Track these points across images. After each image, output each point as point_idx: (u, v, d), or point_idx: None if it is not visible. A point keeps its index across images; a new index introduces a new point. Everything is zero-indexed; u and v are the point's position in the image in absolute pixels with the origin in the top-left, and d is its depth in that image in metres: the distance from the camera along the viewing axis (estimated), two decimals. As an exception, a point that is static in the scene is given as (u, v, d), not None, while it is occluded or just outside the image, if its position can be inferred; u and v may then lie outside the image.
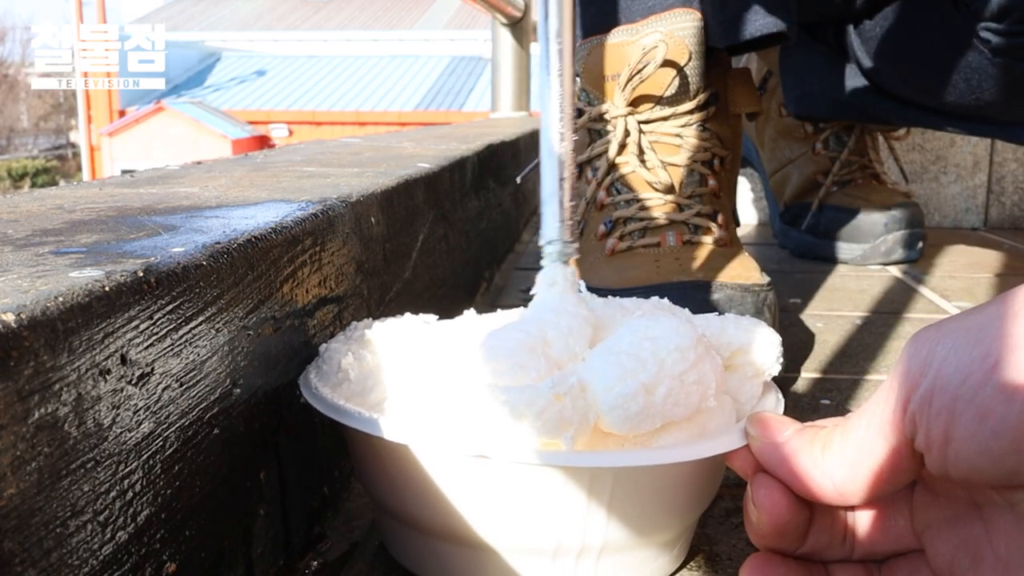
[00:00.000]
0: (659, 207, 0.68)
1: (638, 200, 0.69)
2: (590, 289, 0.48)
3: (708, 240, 0.67)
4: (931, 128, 0.96)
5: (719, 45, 0.69)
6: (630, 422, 0.33)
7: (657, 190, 0.68)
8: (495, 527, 0.34)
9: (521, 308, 0.42)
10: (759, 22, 0.67)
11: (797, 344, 0.74)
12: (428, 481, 0.34)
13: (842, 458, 0.29)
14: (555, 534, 0.34)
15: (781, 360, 0.39)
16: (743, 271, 0.64)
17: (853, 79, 0.97)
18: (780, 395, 0.39)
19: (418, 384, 0.36)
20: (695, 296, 0.61)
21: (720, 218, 0.69)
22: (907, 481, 0.29)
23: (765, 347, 0.39)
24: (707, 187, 0.70)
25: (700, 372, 0.34)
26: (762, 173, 1.24)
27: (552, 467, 0.32)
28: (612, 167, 0.70)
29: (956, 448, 0.26)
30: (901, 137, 1.18)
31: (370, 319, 0.42)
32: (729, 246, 0.68)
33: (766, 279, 0.64)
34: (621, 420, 0.33)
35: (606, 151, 0.70)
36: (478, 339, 0.36)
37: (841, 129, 1.14)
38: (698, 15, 0.68)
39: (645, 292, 0.61)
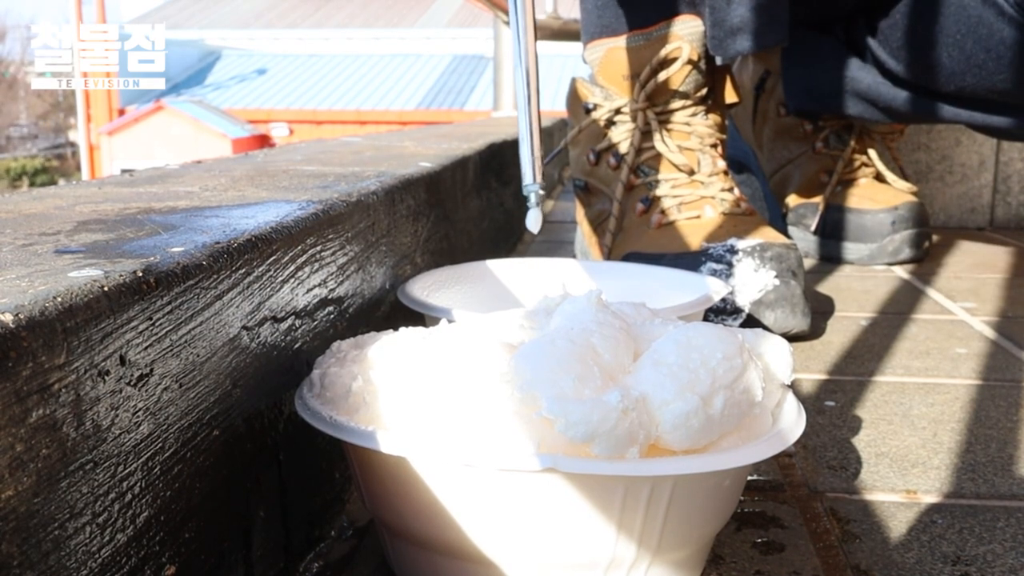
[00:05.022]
0: (686, 185, 0.81)
1: (667, 180, 0.82)
2: (645, 257, 0.75)
3: (738, 211, 0.79)
4: (943, 120, 0.96)
5: (717, 55, 0.81)
6: (692, 438, 0.32)
7: (682, 171, 0.81)
8: (548, 543, 0.33)
9: (520, 310, 0.41)
10: (756, 38, 0.78)
11: (802, 345, 0.74)
12: (479, 502, 0.32)
13: None
14: (611, 545, 0.33)
15: (793, 367, 0.39)
16: (775, 234, 0.76)
17: (864, 70, 0.97)
18: (799, 403, 0.38)
19: (449, 402, 0.33)
20: (751, 254, 0.72)
21: (737, 191, 0.81)
22: None
23: (778, 354, 0.38)
24: (719, 167, 0.83)
25: (747, 380, 0.34)
26: (760, 175, 1.23)
27: (619, 477, 0.31)
28: (637, 153, 0.83)
29: None
30: (897, 139, 1.18)
31: (354, 338, 0.40)
32: (753, 215, 0.80)
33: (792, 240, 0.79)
34: (684, 437, 0.32)
35: (630, 139, 0.83)
36: (501, 348, 0.34)
37: (841, 127, 1.14)
38: (700, 21, 0.80)
39: (697, 256, 0.74)
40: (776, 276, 0.71)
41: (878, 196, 1.10)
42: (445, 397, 0.33)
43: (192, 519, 0.30)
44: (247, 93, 11.17)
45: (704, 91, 0.84)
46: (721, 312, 0.71)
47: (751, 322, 0.71)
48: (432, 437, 0.33)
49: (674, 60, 0.81)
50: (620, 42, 0.84)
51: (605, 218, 0.86)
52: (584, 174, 0.90)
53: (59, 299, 0.23)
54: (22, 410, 0.21)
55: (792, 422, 0.36)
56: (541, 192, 0.55)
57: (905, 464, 0.50)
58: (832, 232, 1.11)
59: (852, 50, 0.99)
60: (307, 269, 0.40)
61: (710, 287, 0.58)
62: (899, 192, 1.11)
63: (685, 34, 0.81)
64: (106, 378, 0.25)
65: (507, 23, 1.89)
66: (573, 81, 0.91)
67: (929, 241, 1.11)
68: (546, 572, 0.33)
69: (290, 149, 0.81)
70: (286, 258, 0.38)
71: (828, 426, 0.56)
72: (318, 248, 0.42)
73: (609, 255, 0.84)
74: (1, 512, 0.21)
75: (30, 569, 0.22)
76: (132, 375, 0.26)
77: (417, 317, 0.53)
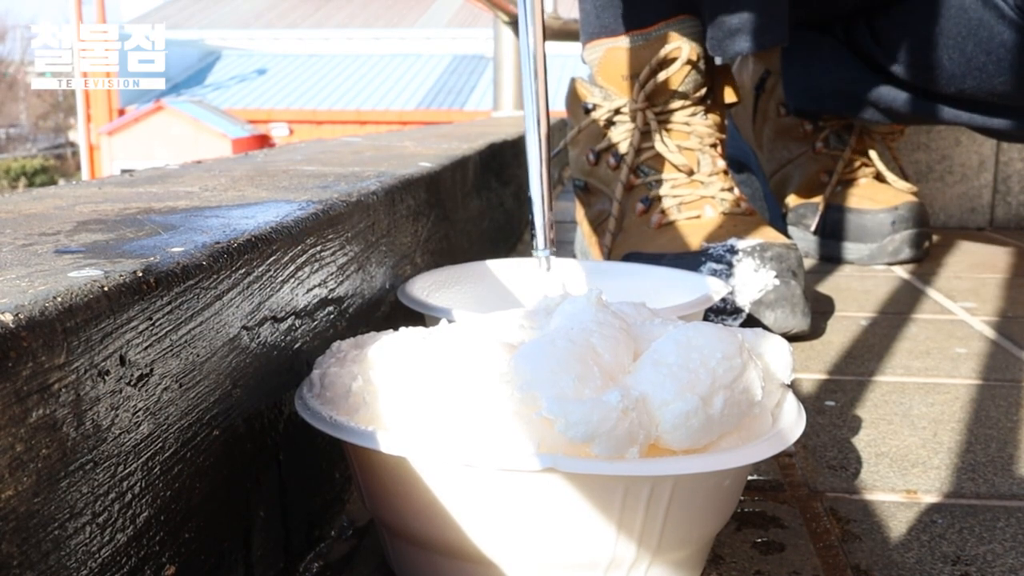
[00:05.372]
0: (686, 185, 0.81)
1: (666, 180, 0.82)
2: (645, 257, 0.76)
3: (738, 211, 0.79)
4: (942, 121, 0.96)
5: (716, 55, 0.81)
6: (692, 438, 0.32)
7: (682, 171, 0.81)
8: (548, 543, 0.33)
9: (520, 310, 0.41)
10: (755, 39, 0.78)
11: (802, 345, 0.74)
12: (479, 502, 0.32)
13: None
14: (611, 545, 0.33)
15: (793, 366, 0.39)
16: (775, 234, 0.76)
17: (863, 71, 0.97)
18: (799, 402, 0.38)
19: (449, 402, 0.33)
20: (751, 253, 0.72)
21: (736, 191, 0.81)
22: None
23: (778, 354, 0.38)
24: (718, 167, 0.83)
25: (747, 380, 0.34)
26: (760, 175, 1.23)
27: (619, 477, 0.31)
28: (637, 153, 0.83)
29: None
30: (897, 139, 1.18)
31: (354, 338, 0.40)
32: (753, 215, 0.80)
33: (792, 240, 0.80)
34: (684, 437, 0.32)
35: (629, 139, 0.83)
36: (501, 348, 0.34)
37: (841, 127, 1.14)
38: (699, 21, 0.80)
39: (697, 256, 0.74)
40: (776, 276, 0.71)
41: (878, 196, 1.10)
42: (445, 397, 0.33)
43: (192, 519, 0.30)
44: (247, 93, 11.16)
45: (703, 91, 0.83)
46: (721, 312, 0.71)
47: (751, 322, 0.71)
48: (432, 437, 0.33)
49: (673, 60, 0.81)
50: (619, 42, 0.84)
51: (605, 218, 0.86)
52: (584, 174, 0.90)
53: (59, 299, 0.23)
54: (22, 410, 0.21)
55: (792, 422, 0.36)
56: (551, 258, 0.58)
57: (905, 464, 0.50)
58: (832, 232, 1.10)
59: (852, 51, 0.99)
60: (307, 269, 0.40)
61: (710, 287, 0.58)
62: (899, 192, 1.11)
63: (684, 34, 0.81)
64: (106, 378, 0.25)
65: (507, 23, 1.90)
66: (572, 81, 0.91)
67: (929, 241, 1.11)
68: (546, 572, 0.33)
69: (290, 149, 0.81)
70: (286, 258, 0.38)
71: (828, 426, 0.56)
72: (318, 248, 0.42)
73: (609, 255, 0.84)
74: (1, 512, 0.21)
75: (30, 569, 0.22)
76: (132, 375, 0.26)
77: (417, 317, 0.53)
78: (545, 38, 0.59)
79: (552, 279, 0.63)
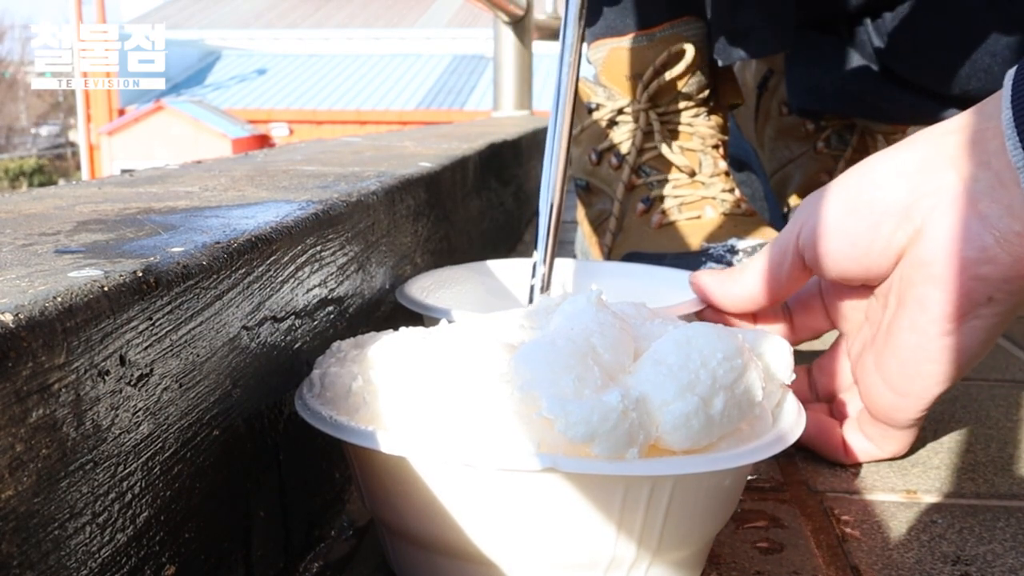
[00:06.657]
0: (687, 185, 0.81)
1: (668, 181, 0.82)
2: (646, 257, 0.76)
3: (738, 212, 0.80)
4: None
5: (721, 60, 0.80)
6: (692, 439, 0.32)
7: (683, 172, 0.81)
8: (548, 543, 0.33)
9: (520, 310, 0.41)
10: (760, 45, 0.79)
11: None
12: (479, 502, 0.32)
13: (755, 276, 0.49)
14: (611, 545, 0.33)
15: (793, 366, 0.39)
16: (775, 234, 0.76)
17: (866, 71, 0.97)
18: (799, 402, 0.38)
19: (449, 402, 0.33)
20: (751, 253, 0.73)
21: (737, 192, 0.82)
22: (798, 287, 0.49)
23: (778, 354, 0.38)
24: (720, 168, 0.83)
25: (748, 380, 0.34)
26: (761, 174, 1.23)
27: (619, 477, 0.31)
28: (639, 153, 0.83)
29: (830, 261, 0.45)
30: (899, 139, 1.18)
31: (354, 338, 0.40)
32: (753, 216, 0.80)
33: None
34: (684, 437, 0.32)
35: (632, 139, 0.84)
36: (501, 348, 0.34)
37: (843, 128, 1.14)
38: (704, 23, 0.81)
39: (697, 256, 0.75)
40: None
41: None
42: (445, 397, 0.33)
43: (192, 519, 0.30)
44: (247, 93, 11.17)
45: (707, 92, 0.84)
46: None
47: None
48: (432, 437, 0.33)
49: (677, 61, 0.81)
50: (624, 42, 0.84)
51: (606, 218, 0.86)
52: (585, 174, 0.90)
53: (59, 299, 0.23)
54: (22, 410, 0.21)
55: (792, 422, 0.36)
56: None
57: (905, 464, 0.50)
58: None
59: (856, 50, 0.99)
60: (307, 269, 0.40)
61: None
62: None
63: (689, 35, 0.81)
64: (106, 378, 0.25)
65: (507, 23, 1.90)
66: (576, 81, 0.91)
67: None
68: (546, 572, 0.33)
69: (290, 149, 0.81)
70: (286, 258, 0.38)
71: (828, 426, 0.56)
72: (318, 248, 0.42)
73: (609, 255, 0.84)
74: (1, 512, 0.21)
75: (30, 569, 0.22)
76: (132, 375, 0.26)
77: (417, 317, 0.53)
78: (579, 51, 0.57)
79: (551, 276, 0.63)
